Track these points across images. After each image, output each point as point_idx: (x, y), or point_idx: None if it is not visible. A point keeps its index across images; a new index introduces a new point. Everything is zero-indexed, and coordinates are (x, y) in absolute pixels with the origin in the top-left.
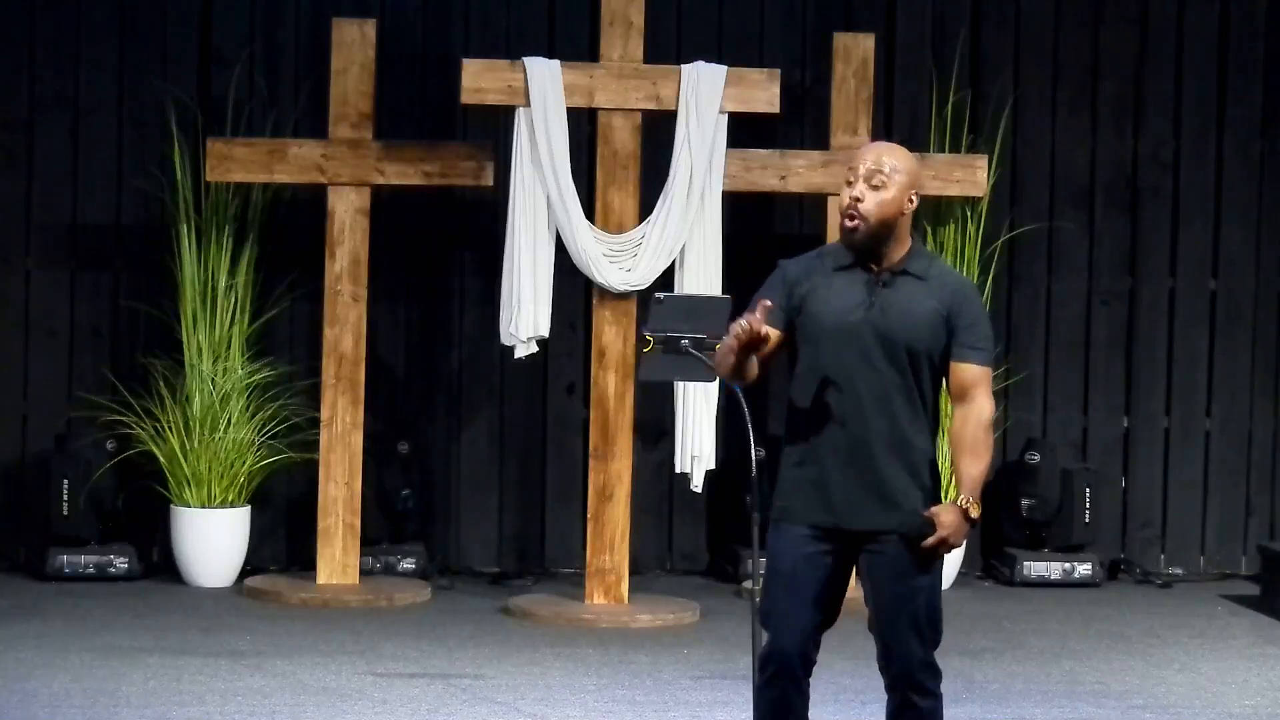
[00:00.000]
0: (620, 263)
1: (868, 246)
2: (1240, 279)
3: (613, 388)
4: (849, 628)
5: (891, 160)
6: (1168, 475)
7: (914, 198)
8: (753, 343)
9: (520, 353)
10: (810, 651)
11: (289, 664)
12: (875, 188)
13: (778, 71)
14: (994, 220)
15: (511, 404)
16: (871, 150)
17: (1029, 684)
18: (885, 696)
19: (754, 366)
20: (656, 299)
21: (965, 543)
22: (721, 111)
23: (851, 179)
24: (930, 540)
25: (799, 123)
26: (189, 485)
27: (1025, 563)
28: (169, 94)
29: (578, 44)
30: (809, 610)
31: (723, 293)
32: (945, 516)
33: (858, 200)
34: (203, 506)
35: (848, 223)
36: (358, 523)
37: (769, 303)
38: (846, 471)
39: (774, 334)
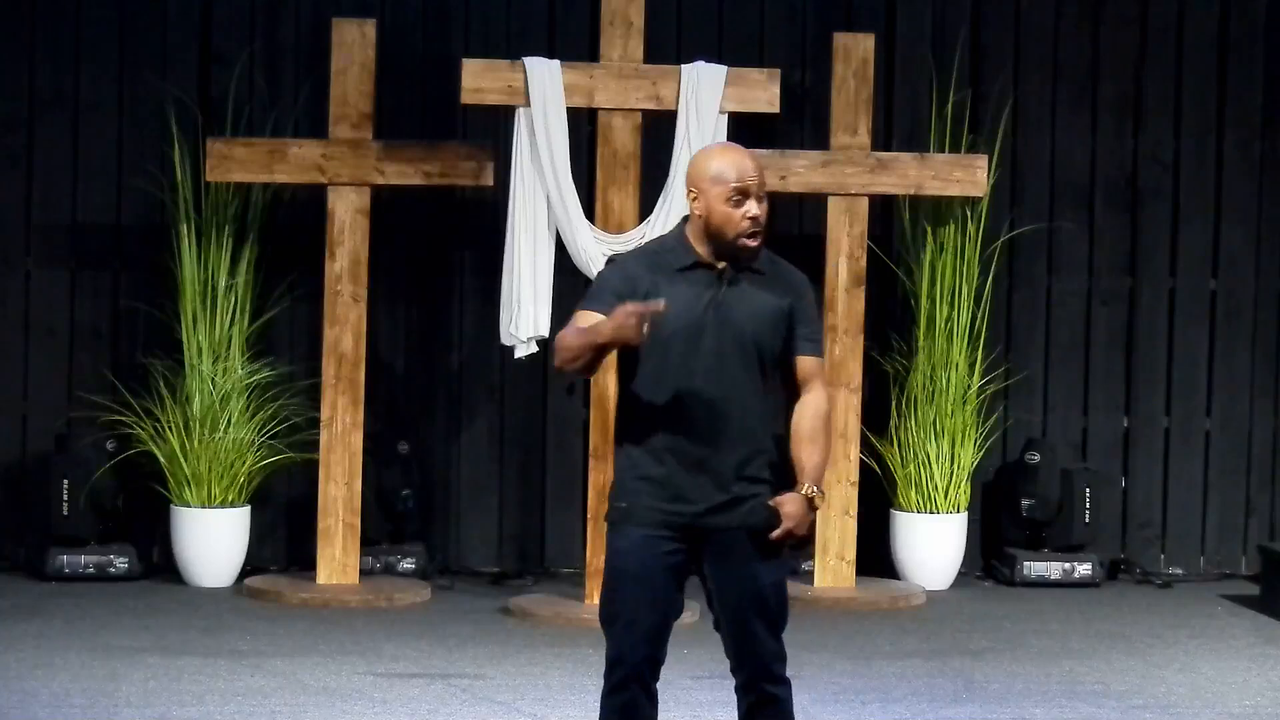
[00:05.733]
0: None
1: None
2: (1240, 279)
3: (613, 388)
4: (847, 628)
5: (759, 165)
6: (1168, 475)
7: None
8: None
9: (520, 353)
10: (659, 653)
11: (289, 664)
12: (760, 199)
13: (778, 71)
14: (994, 220)
15: (511, 404)
16: (745, 161)
17: (1029, 684)
18: (746, 698)
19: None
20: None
21: (813, 534)
22: (721, 111)
23: (740, 197)
24: (777, 533)
25: (799, 123)
26: (189, 485)
27: (1025, 563)
28: (169, 94)
29: (578, 44)
30: (656, 612)
31: None
32: (790, 507)
33: (758, 218)
34: (203, 506)
35: (751, 242)
36: (358, 523)
37: (660, 305)
38: (694, 471)
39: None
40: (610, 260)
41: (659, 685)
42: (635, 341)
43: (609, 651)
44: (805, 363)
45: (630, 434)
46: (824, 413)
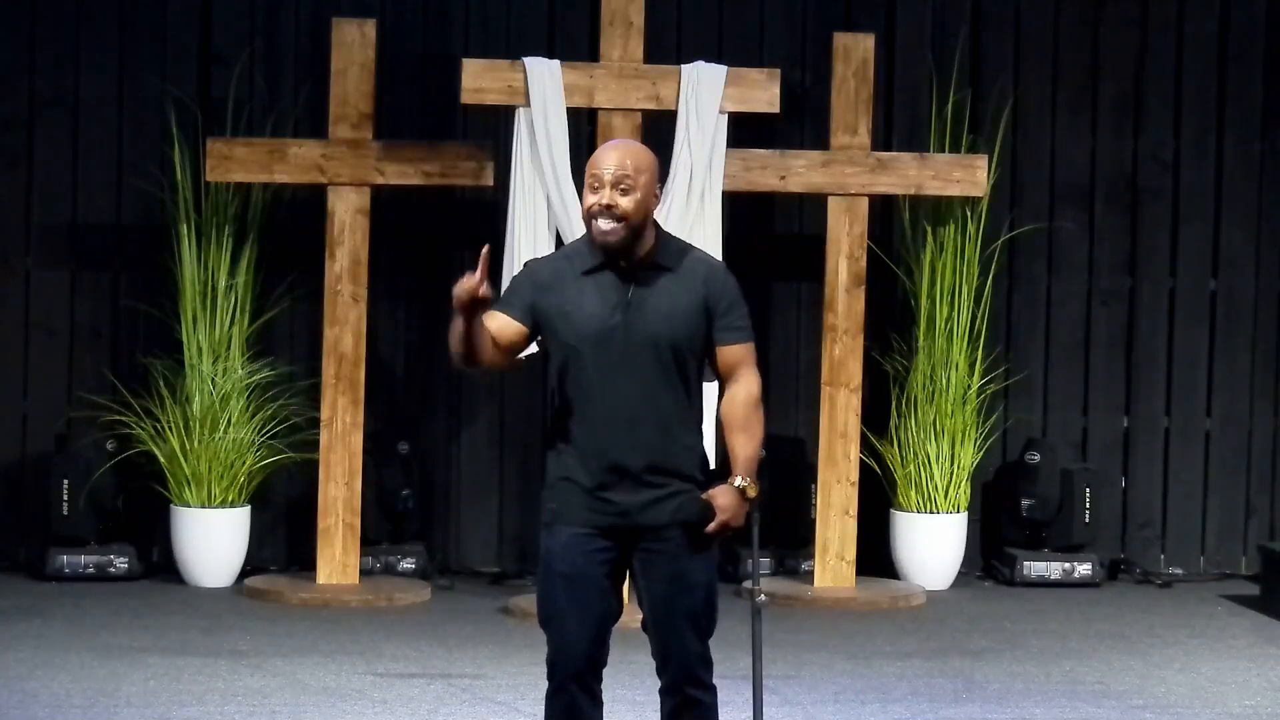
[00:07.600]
0: None
1: (624, 248)
2: (1240, 279)
3: None
4: (847, 628)
5: (635, 162)
6: (1168, 475)
7: (658, 193)
8: (474, 303)
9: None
10: (598, 653)
11: (289, 664)
12: (624, 192)
13: (778, 71)
14: (994, 220)
15: (511, 404)
16: (614, 154)
17: (1029, 684)
18: (660, 699)
19: (487, 350)
20: None
21: (744, 524)
22: (721, 111)
23: (596, 185)
24: (712, 526)
25: (799, 123)
26: (189, 485)
27: (1025, 563)
28: (169, 94)
29: (578, 44)
30: (592, 611)
31: None
32: (723, 499)
33: (609, 206)
34: (203, 506)
35: (604, 225)
36: (358, 523)
37: (478, 277)
38: (617, 473)
39: (491, 300)
40: (525, 265)
41: (605, 686)
42: (465, 301)
43: (548, 653)
44: (728, 352)
45: (556, 437)
46: (754, 400)
